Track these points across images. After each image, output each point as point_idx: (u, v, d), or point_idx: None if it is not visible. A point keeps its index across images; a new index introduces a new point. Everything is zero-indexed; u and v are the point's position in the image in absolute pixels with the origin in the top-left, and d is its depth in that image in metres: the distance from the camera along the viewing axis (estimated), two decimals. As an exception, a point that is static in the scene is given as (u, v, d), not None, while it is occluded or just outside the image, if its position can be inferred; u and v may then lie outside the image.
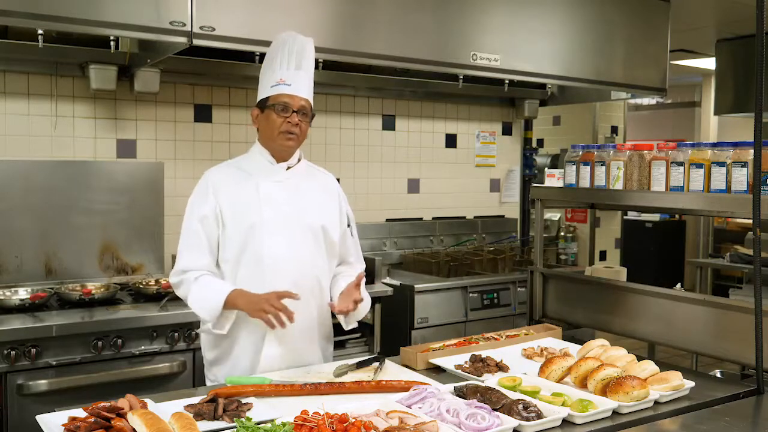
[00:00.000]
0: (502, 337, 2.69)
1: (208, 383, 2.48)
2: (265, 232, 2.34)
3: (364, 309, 2.47)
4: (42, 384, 2.79)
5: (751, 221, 2.16)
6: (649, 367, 2.14)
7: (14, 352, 2.73)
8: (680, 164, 2.59)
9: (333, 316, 2.54)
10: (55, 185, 3.47)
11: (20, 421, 2.75)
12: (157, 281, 3.46)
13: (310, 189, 2.47)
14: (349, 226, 2.56)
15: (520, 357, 2.50)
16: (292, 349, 2.38)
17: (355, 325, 2.52)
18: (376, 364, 2.33)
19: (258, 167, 2.42)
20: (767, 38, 2.07)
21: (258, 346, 2.36)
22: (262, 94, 2.40)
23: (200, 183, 2.44)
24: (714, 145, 2.56)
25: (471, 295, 4.09)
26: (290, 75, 2.36)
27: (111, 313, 3.03)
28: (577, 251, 5.72)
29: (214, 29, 2.93)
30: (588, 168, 2.91)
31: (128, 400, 1.82)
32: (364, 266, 2.65)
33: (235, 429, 1.73)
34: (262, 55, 3.10)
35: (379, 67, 4.01)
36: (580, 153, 2.98)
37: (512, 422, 1.78)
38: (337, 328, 2.62)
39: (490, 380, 2.11)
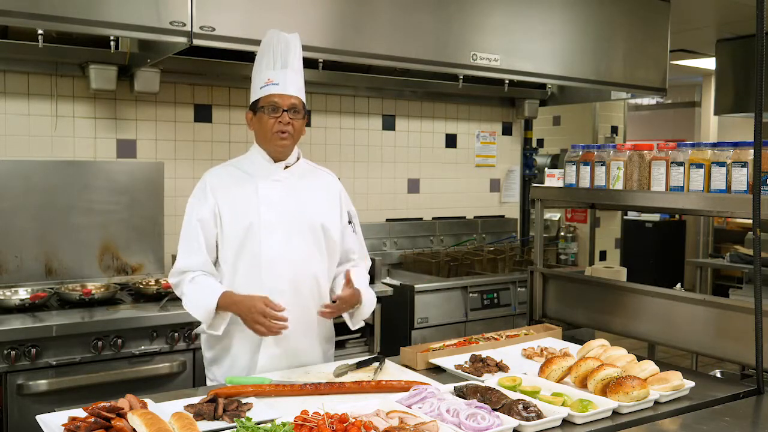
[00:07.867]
0: (502, 337, 2.69)
1: (209, 382, 2.48)
2: (263, 231, 2.34)
3: (368, 308, 2.46)
4: (42, 384, 2.79)
5: (751, 221, 2.16)
6: (649, 367, 2.14)
7: (14, 352, 2.73)
8: (680, 164, 2.59)
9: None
10: (55, 185, 3.47)
11: (20, 421, 2.75)
12: (157, 281, 3.46)
13: (310, 188, 2.46)
14: (350, 222, 2.54)
15: (520, 357, 2.50)
16: (291, 348, 2.38)
17: (361, 324, 2.52)
18: (376, 364, 2.33)
19: (256, 167, 2.43)
20: (767, 38, 2.07)
21: (256, 345, 2.36)
22: (253, 97, 2.43)
23: (199, 184, 2.44)
24: (714, 145, 2.56)
25: (471, 295, 4.09)
26: (277, 74, 2.37)
27: (111, 313, 3.03)
28: (577, 251, 5.72)
29: (214, 29, 2.94)
30: (588, 168, 2.91)
31: (128, 400, 1.82)
32: (369, 263, 2.63)
33: (235, 429, 1.73)
34: (263, 56, 3.09)
35: (379, 67, 4.02)
36: (580, 153, 2.98)
37: (512, 422, 1.78)
38: (339, 328, 2.61)
39: (490, 380, 2.11)
